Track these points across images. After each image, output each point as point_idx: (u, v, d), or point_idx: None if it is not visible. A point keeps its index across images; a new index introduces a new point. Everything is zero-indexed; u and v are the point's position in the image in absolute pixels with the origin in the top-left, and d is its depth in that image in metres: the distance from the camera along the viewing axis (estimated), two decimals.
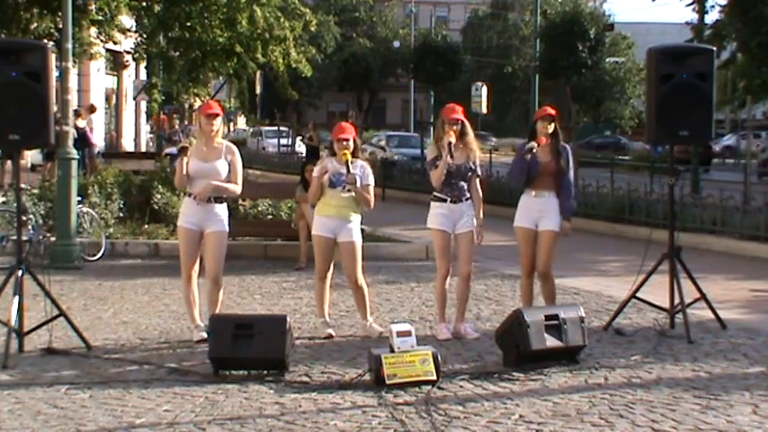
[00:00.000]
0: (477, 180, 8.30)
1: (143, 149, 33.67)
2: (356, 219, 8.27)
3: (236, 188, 8.07)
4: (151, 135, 31.14)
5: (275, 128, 43.87)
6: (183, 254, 8.03)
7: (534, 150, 8.14)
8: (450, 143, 8.00)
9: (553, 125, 8.26)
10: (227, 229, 8.05)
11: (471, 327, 8.30)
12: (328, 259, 8.26)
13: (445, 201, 8.17)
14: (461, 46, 59.96)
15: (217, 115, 7.97)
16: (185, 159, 7.90)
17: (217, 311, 7.95)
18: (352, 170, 8.05)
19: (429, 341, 7.64)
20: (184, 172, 7.90)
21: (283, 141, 41.04)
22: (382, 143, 38.53)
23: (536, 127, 8.31)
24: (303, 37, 19.75)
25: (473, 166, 8.20)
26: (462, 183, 8.17)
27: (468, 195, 8.21)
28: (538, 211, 8.27)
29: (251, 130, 47.63)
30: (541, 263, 8.33)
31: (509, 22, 71.16)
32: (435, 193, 8.22)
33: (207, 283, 8.04)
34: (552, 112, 8.35)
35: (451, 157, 8.03)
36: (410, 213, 17.34)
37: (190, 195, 7.97)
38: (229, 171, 7.96)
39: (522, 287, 8.57)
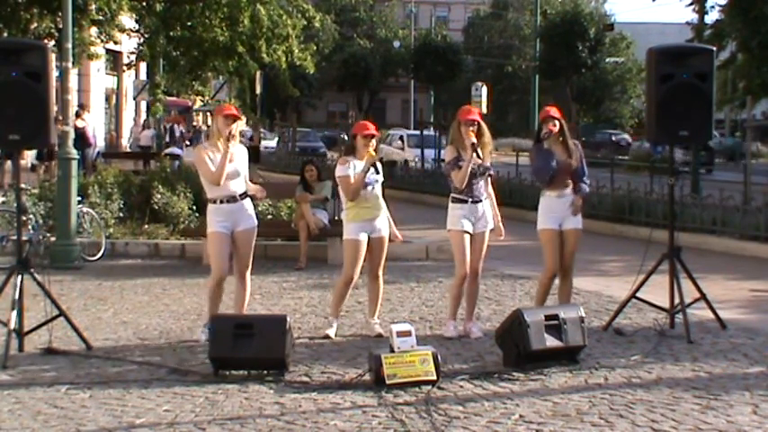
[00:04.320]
0: (490, 179, 8.35)
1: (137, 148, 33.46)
2: (385, 214, 8.33)
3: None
4: (149, 133, 31.07)
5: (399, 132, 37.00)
6: (215, 257, 7.94)
7: (548, 135, 8.18)
8: (473, 144, 8.02)
9: (559, 123, 8.28)
10: (256, 222, 8.11)
11: (478, 327, 8.31)
12: (360, 263, 8.23)
13: (466, 202, 8.18)
14: (462, 46, 60.06)
15: (236, 117, 8.00)
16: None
17: (244, 311, 8.01)
18: (374, 167, 8.11)
19: (429, 341, 7.64)
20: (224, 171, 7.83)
21: (273, 144, 41.07)
22: None
23: (542, 127, 8.35)
24: (299, 37, 19.76)
25: (489, 166, 8.25)
26: (480, 182, 8.20)
27: (486, 194, 8.26)
28: (562, 210, 8.29)
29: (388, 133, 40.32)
30: (566, 260, 8.35)
31: (509, 22, 71.19)
32: (455, 195, 8.21)
33: (236, 281, 8.10)
34: (556, 113, 8.33)
35: (479, 156, 8.05)
36: (411, 213, 17.33)
37: (214, 201, 7.91)
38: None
39: (541, 287, 8.51)
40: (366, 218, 8.18)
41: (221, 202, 7.90)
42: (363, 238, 8.16)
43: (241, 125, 8.04)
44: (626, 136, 51.30)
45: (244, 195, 8.00)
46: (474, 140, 8.05)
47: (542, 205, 8.39)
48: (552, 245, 8.32)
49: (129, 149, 31.31)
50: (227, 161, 7.79)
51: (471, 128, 8.12)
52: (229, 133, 7.85)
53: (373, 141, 8.15)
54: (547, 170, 8.25)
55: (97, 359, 7.37)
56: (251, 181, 8.27)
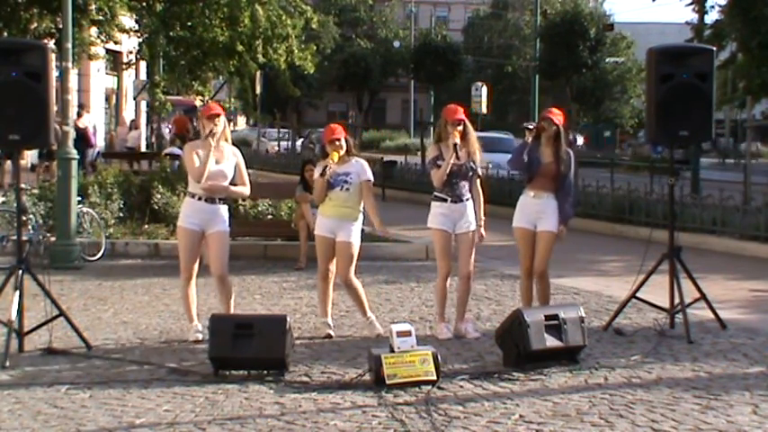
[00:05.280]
0: (478, 180, 8.32)
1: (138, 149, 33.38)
2: (356, 220, 8.27)
3: (246, 190, 8.21)
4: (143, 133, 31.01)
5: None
6: (183, 254, 8.04)
7: (527, 126, 8.21)
8: (455, 144, 8.03)
9: (556, 129, 8.25)
10: (228, 229, 8.08)
11: (472, 326, 8.31)
12: (329, 259, 8.26)
13: (445, 200, 8.18)
14: (461, 46, 60.05)
15: (218, 115, 7.98)
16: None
17: (232, 310, 8.00)
18: (342, 169, 8.10)
19: (429, 341, 7.64)
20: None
21: (273, 143, 41.18)
22: None
23: (539, 124, 8.35)
24: (299, 37, 19.75)
25: (474, 166, 8.22)
26: (463, 182, 8.18)
27: (469, 195, 8.23)
28: (536, 212, 8.28)
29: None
30: (538, 263, 8.34)
31: (509, 22, 71.17)
32: (436, 193, 8.24)
33: (215, 284, 8.10)
34: (557, 119, 8.30)
35: (458, 158, 8.05)
36: (410, 213, 17.33)
37: (193, 196, 7.97)
38: (234, 173, 8.01)
39: (522, 287, 8.58)
40: (327, 214, 8.19)
41: (199, 198, 7.92)
42: (325, 234, 8.18)
43: (220, 123, 7.98)
44: (578, 135, 51.22)
45: (222, 200, 8.00)
46: (457, 141, 8.06)
47: (519, 203, 8.41)
48: (524, 243, 8.35)
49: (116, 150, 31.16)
50: (211, 160, 7.81)
51: (458, 128, 8.12)
52: (210, 131, 7.86)
53: (341, 143, 8.14)
54: (517, 160, 8.27)
55: (97, 359, 7.37)
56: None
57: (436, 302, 8.45)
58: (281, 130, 45.01)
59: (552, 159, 8.25)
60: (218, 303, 8.27)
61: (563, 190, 8.32)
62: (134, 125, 31.30)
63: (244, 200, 13.66)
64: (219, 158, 7.92)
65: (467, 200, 8.22)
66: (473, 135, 8.28)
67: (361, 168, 8.25)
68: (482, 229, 8.32)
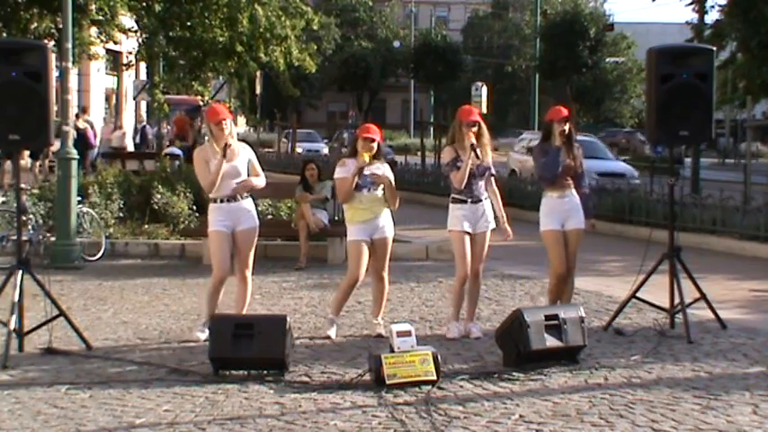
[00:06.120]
0: (493, 179, 8.37)
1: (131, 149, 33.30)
2: (387, 214, 8.31)
3: (262, 180, 8.18)
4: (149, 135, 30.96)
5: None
6: (216, 256, 7.96)
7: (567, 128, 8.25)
8: (473, 144, 8.04)
9: (569, 125, 8.31)
10: (257, 222, 8.12)
11: (477, 327, 8.31)
12: (365, 264, 8.21)
13: (465, 202, 8.19)
14: (461, 46, 60.03)
15: (225, 119, 7.97)
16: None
17: (245, 311, 8.01)
18: (371, 170, 8.08)
19: (429, 341, 7.64)
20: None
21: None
22: None
23: (551, 128, 8.35)
24: (299, 37, 19.76)
25: (489, 166, 8.26)
26: (480, 182, 8.22)
27: (486, 195, 8.28)
28: (565, 211, 8.33)
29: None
30: (570, 261, 8.37)
31: (509, 22, 71.19)
32: (455, 195, 8.23)
33: (236, 281, 8.08)
34: (566, 112, 8.40)
35: (477, 157, 8.06)
36: (411, 213, 17.33)
37: (215, 201, 7.93)
38: (248, 168, 8.03)
39: (552, 290, 8.51)
40: (363, 219, 8.16)
41: (221, 201, 7.93)
42: (365, 238, 8.15)
43: (228, 127, 7.98)
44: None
45: (246, 195, 8.03)
46: (473, 141, 8.08)
47: (545, 206, 8.40)
48: (557, 245, 8.34)
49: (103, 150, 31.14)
50: (224, 161, 7.81)
51: (473, 129, 8.14)
52: (226, 144, 7.84)
53: (373, 146, 8.13)
54: (556, 166, 8.25)
55: (97, 359, 7.37)
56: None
57: (451, 303, 8.43)
58: (282, 130, 44.89)
59: (570, 158, 8.29)
60: (233, 301, 8.23)
61: (581, 186, 8.38)
62: (117, 125, 31.28)
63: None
64: (231, 157, 7.92)
65: (485, 199, 8.25)
66: (487, 135, 8.30)
67: (387, 170, 8.28)
68: (507, 227, 8.38)
